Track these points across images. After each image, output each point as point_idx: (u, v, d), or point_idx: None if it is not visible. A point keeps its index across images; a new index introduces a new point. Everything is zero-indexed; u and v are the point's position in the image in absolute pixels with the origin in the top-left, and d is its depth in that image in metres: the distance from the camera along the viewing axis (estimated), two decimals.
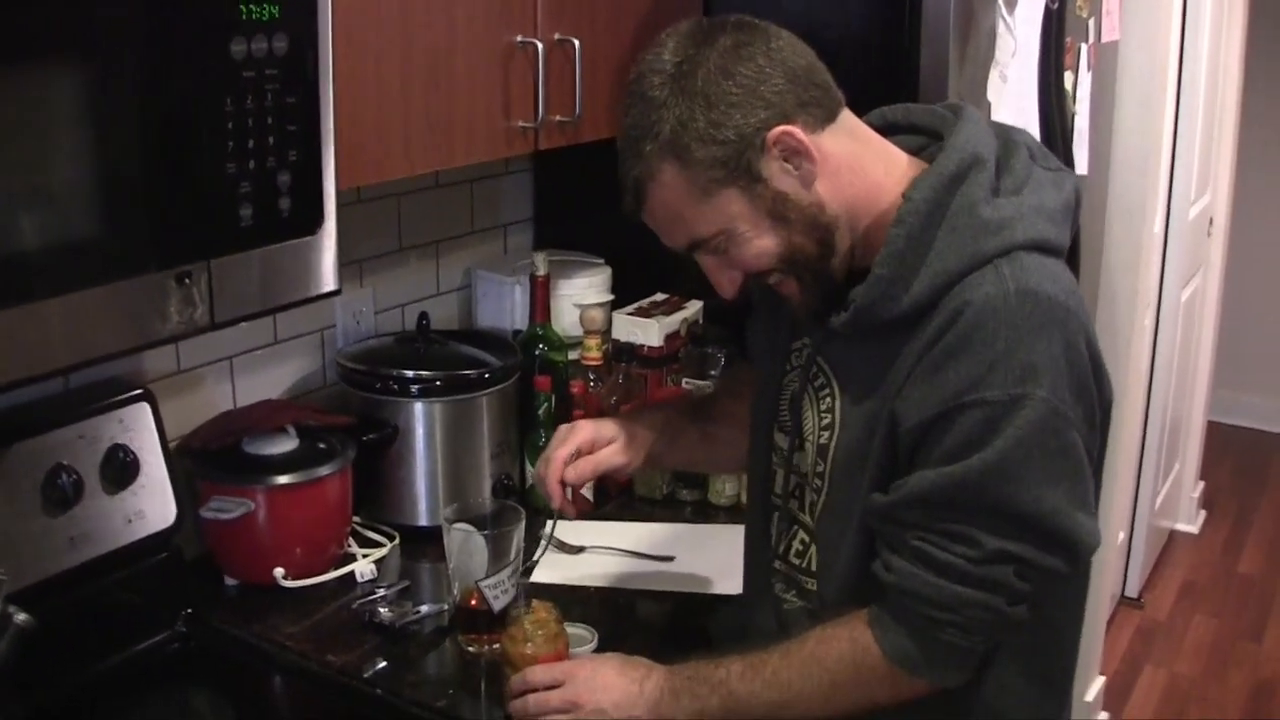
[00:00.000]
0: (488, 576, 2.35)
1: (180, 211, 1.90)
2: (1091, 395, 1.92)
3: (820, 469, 2.08)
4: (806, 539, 2.16)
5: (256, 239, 2.02)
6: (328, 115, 2.09)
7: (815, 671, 1.99)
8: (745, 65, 1.89)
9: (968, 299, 1.86)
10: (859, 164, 1.99)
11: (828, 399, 2.08)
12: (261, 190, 2.00)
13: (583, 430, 2.36)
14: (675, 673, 2.09)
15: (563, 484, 2.30)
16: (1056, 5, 3.31)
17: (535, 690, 2.13)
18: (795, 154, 1.91)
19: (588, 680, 2.11)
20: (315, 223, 2.11)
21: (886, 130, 2.10)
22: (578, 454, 2.32)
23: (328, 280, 2.17)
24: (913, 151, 2.06)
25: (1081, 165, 3.75)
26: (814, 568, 2.15)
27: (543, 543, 2.35)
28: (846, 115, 2.00)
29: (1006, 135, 2.05)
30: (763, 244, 1.95)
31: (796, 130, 1.90)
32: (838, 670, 1.98)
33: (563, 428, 2.37)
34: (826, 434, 2.07)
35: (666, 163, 1.91)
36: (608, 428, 2.38)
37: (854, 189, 1.97)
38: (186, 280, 1.92)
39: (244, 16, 1.91)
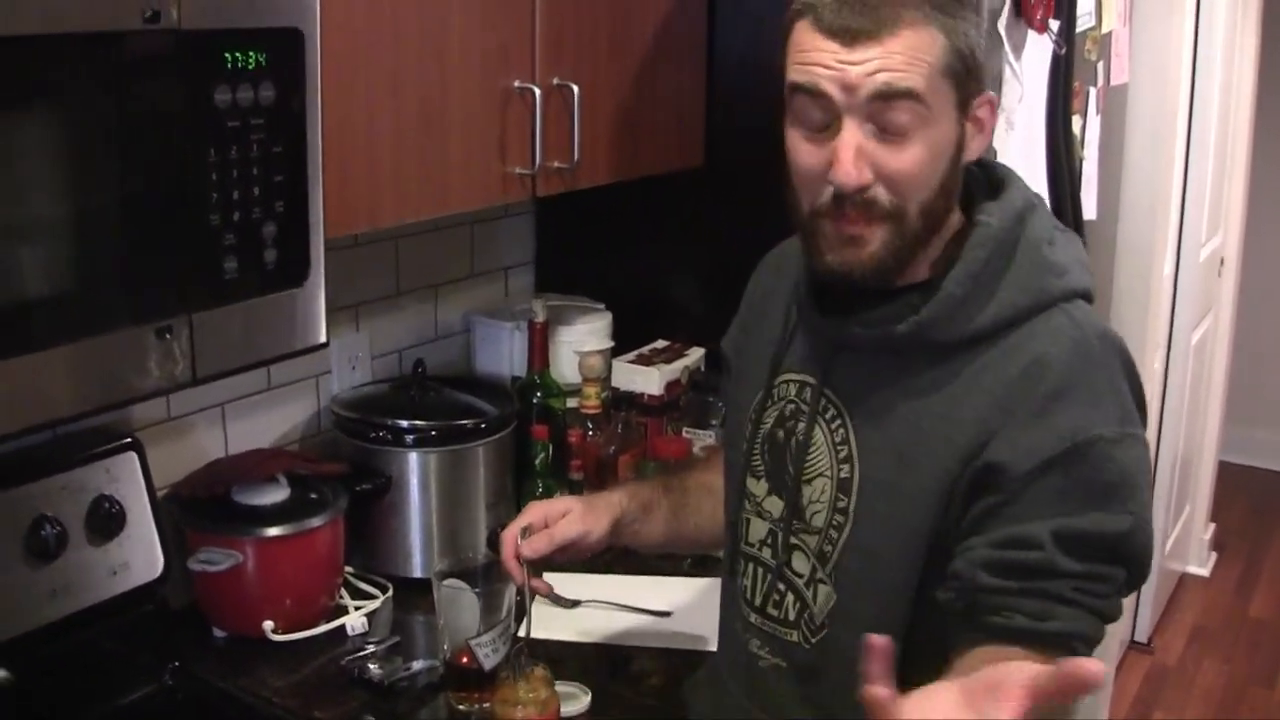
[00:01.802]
0: (478, 635, 2.32)
1: (161, 264, 1.88)
2: None
3: (842, 504, 2.01)
4: (784, 588, 2.09)
5: (240, 292, 1.99)
6: (316, 164, 2.07)
7: None
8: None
9: (1052, 341, 1.88)
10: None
11: (841, 430, 2.02)
12: (246, 242, 1.97)
13: (532, 509, 2.32)
14: None
15: (522, 561, 2.23)
16: (1064, 50, 3.30)
17: None
18: (981, 126, 1.92)
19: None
20: (302, 274, 2.08)
21: None
22: (530, 530, 2.26)
23: (316, 333, 2.14)
24: None
25: (1090, 209, 3.74)
26: (792, 618, 2.08)
27: (525, 621, 2.30)
28: None
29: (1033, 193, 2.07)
30: (935, 166, 1.87)
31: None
32: None
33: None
34: (846, 467, 2.01)
35: (934, 26, 1.81)
36: (561, 502, 2.35)
37: (954, 202, 1.95)
38: (167, 335, 1.88)
39: (229, 65, 1.89)
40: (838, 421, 2.02)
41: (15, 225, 1.71)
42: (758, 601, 2.13)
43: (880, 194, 1.86)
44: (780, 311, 2.16)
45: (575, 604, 2.75)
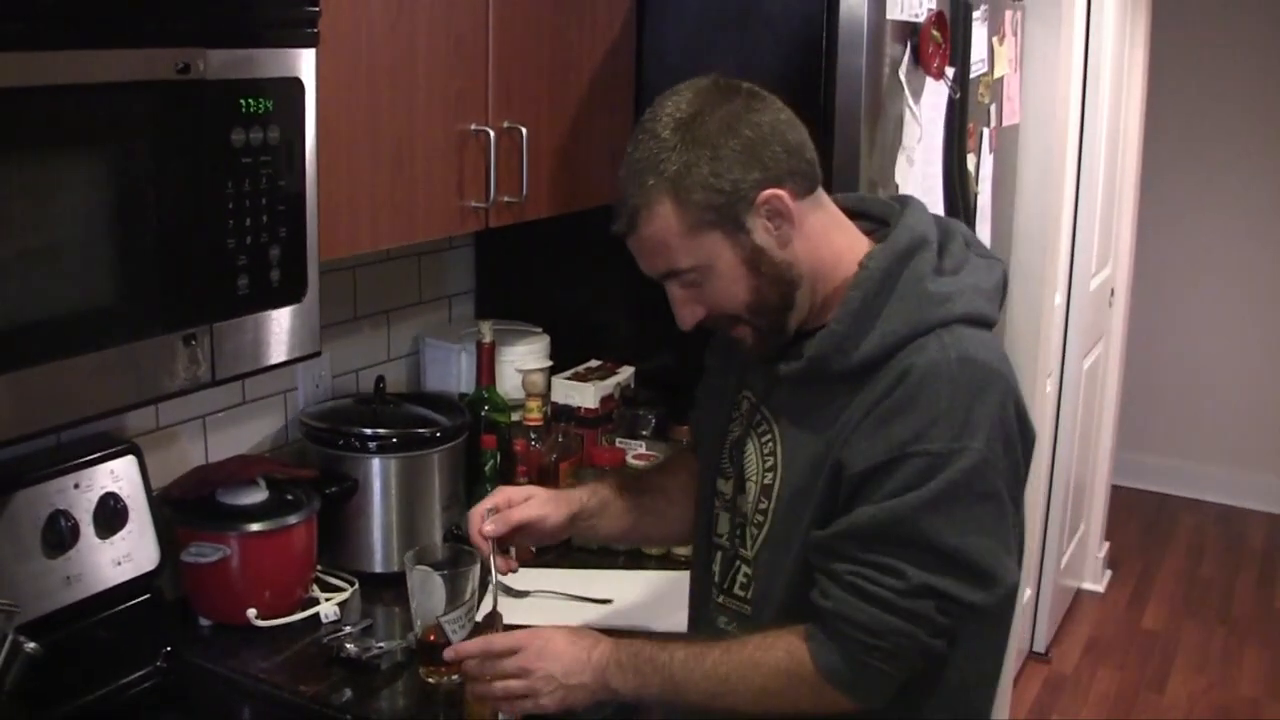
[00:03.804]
0: (447, 613, 2.54)
1: (187, 281, 2.13)
2: (1016, 450, 2.15)
3: (763, 506, 2.28)
4: (749, 572, 2.35)
5: (251, 305, 2.25)
6: (312, 196, 2.33)
7: (751, 673, 2.17)
8: (749, 129, 2.11)
9: (913, 362, 2.09)
10: (827, 234, 2.22)
11: (770, 443, 2.29)
12: (255, 262, 2.23)
13: (500, 492, 2.57)
14: (620, 647, 2.28)
15: (487, 538, 2.48)
16: (959, 95, 3.56)
17: (490, 656, 2.33)
18: (779, 215, 2.13)
19: (540, 649, 2.28)
20: (300, 291, 2.34)
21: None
22: (496, 510, 2.50)
23: (311, 343, 2.40)
24: (865, 233, 2.29)
25: (984, 240, 3.95)
26: (750, 596, 2.34)
27: (490, 589, 2.52)
28: (822, 191, 2.24)
29: (945, 225, 2.30)
30: (734, 288, 2.16)
31: (784, 195, 2.12)
32: (771, 676, 2.16)
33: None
34: (770, 475, 2.27)
35: (665, 197, 2.11)
36: (526, 489, 2.60)
37: (820, 255, 2.20)
38: (192, 341, 2.15)
39: (242, 110, 2.16)
40: (768, 436, 2.31)
41: (67, 246, 1.95)
42: (725, 584, 2.41)
43: (717, 316, 2.23)
44: None
45: (525, 594, 2.97)
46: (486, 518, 2.48)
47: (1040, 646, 6.10)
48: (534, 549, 2.83)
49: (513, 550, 2.54)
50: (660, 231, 2.14)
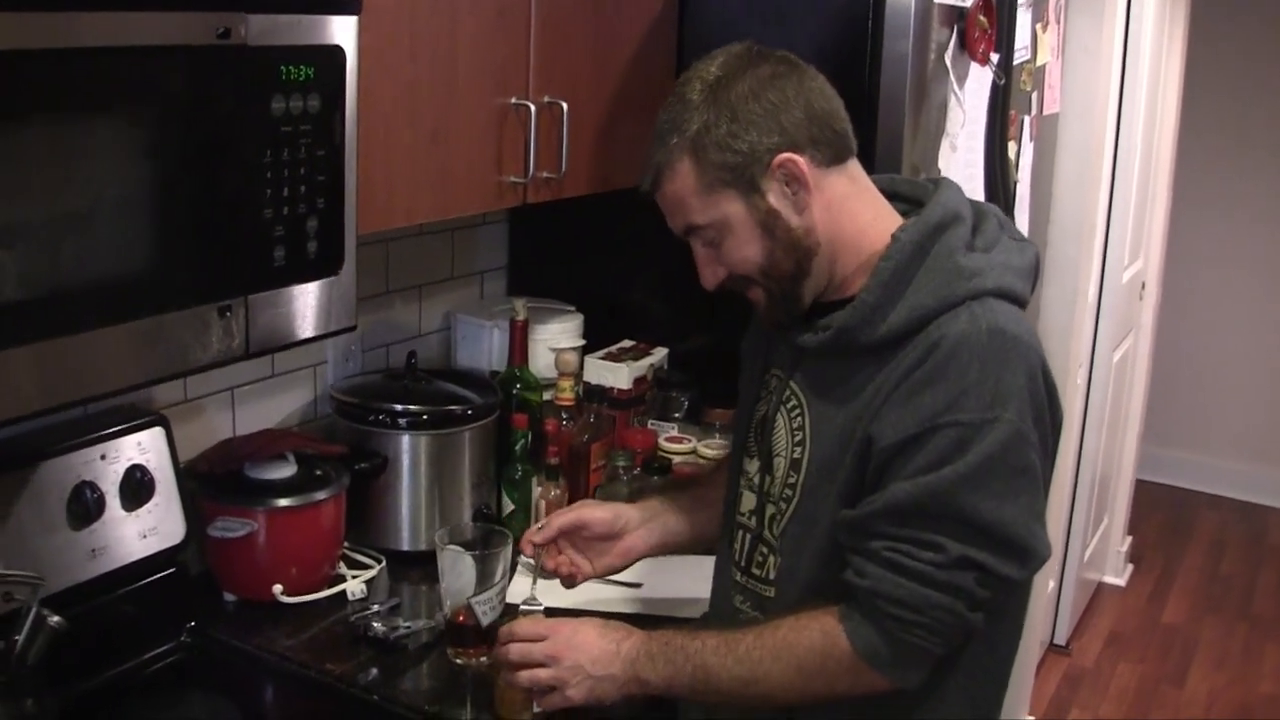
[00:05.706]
0: (478, 594, 2.52)
1: (223, 251, 2.09)
2: (1046, 423, 2.15)
3: (792, 480, 2.28)
4: (766, 551, 2.35)
5: (287, 277, 2.21)
6: (351, 168, 2.29)
7: (785, 655, 2.16)
8: (774, 93, 2.16)
9: (943, 334, 2.08)
10: (851, 206, 2.24)
11: (799, 418, 2.28)
12: (292, 234, 2.19)
13: (552, 514, 2.65)
14: (652, 638, 2.27)
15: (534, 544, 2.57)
16: (1003, 81, 3.52)
17: (520, 641, 2.33)
18: (794, 180, 2.17)
19: (569, 637, 2.30)
20: (337, 264, 2.30)
21: None
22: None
23: (346, 317, 2.36)
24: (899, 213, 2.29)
25: (1022, 230, 3.93)
26: (773, 576, 2.33)
27: (531, 577, 2.63)
28: (854, 164, 2.26)
29: (979, 206, 2.30)
30: (748, 249, 2.21)
31: (801, 161, 2.16)
32: (806, 658, 2.15)
33: None
34: (799, 449, 2.27)
35: (685, 156, 2.18)
36: (574, 505, 2.70)
37: (841, 226, 2.22)
38: (227, 313, 2.11)
39: (283, 78, 2.11)
40: (797, 410, 2.30)
41: (99, 214, 1.91)
42: (744, 563, 2.42)
43: (736, 277, 2.27)
44: None
45: (556, 576, 2.95)
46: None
47: (1061, 639, 6.09)
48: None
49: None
50: (679, 189, 2.21)
